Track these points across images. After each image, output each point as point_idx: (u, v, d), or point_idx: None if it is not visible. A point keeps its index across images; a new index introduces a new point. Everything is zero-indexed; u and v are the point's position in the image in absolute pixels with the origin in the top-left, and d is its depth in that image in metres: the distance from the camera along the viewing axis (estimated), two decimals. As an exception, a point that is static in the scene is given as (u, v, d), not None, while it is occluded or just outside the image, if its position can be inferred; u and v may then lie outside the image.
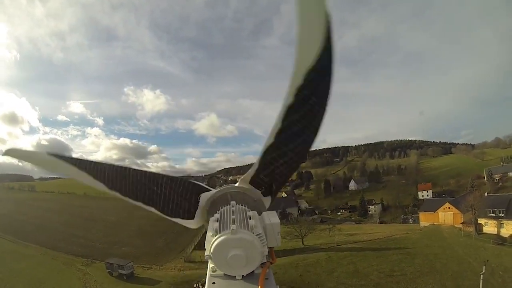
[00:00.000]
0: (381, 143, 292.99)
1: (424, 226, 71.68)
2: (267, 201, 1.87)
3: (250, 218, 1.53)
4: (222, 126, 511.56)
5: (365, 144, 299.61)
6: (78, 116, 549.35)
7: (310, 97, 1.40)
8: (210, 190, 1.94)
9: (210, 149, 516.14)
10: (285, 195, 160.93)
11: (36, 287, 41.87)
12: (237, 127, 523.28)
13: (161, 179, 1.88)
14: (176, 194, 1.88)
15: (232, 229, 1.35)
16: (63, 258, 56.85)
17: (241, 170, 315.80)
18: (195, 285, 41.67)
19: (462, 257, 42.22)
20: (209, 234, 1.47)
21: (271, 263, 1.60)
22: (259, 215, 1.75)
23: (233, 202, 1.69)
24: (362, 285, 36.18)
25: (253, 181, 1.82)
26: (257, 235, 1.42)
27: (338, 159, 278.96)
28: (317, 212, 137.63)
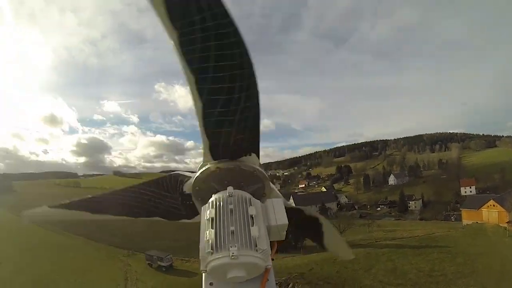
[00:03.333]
0: (421, 136, 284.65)
1: (467, 224, 69.80)
2: (254, 158, 1.58)
3: (253, 223, 1.31)
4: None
5: (404, 137, 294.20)
6: (113, 115, 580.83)
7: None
8: (189, 177, 1.72)
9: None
10: (324, 190, 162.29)
11: (81, 276, 43.63)
12: (274, 122, 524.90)
13: (149, 187, 1.77)
14: (168, 197, 1.74)
15: (233, 255, 1.18)
16: (106, 250, 59.56)
17: (280, 164, 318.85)
18: None
19: (507, 258, 41.06)
20: (202, 240, 1.29)
21: (272, 259, 1.45)
22: (259, 198, 1.54)
23: (230, 188, 1.44)
24: (400, 284, 35.68)
25: (218, 155, 1.54)
26: (261, 252, 1.25)
27: (376, 153, 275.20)
28: (356, 207, 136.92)
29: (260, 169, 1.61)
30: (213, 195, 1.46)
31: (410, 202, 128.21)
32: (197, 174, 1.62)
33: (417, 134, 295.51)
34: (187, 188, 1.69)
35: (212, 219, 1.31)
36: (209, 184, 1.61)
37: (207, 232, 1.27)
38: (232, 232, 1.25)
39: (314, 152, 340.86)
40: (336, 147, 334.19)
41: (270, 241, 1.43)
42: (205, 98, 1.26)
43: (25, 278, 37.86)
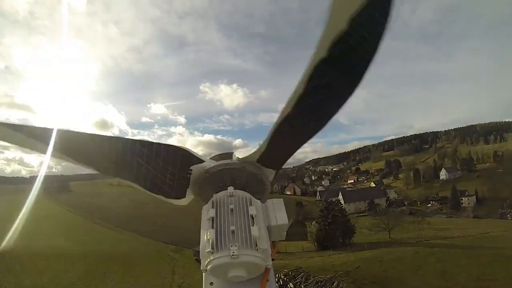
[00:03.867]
0: (473, 126, 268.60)
1: (525, 223, 66.48)
2: (271, 173, 1.60)
3: (253, 223, 1.32)
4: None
5: (456, 128, 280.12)
6: (161, 117, 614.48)
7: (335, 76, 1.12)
8: (203, 161, 1.60)
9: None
10: (374, 185, 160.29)
11: (131, 268, 44.67)
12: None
13: (142, 148, 1.52)
14: (161, 167, 1.56)
15: (233, 254, 1.20)
16: (154, 245, 61.05)
17: (328, 160, 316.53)
18: (276, 276, 44.92)
19: None
20: (203, 240, 1.30)
21: (273, 259, 1.43)
22: (262, 200, 1.54)
23: (230, 189, 1.46)
24: (449, 287, 34.84)
25: (260, 159, 1.51)
26: (261, 251, 1.27)
27: (427, 146, 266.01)
28: (406, 203, 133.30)
29: (264, 173, 1.60)
30: (214, 195, 1.48)
31: (463, 199, 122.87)
32: (206, 166, 1.58)
33: (469, 124, 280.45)
34: (195, 173, 1.59)
35: (213, 218, 1.33)
36: (212, 181, 1.60)
37: (208, 231, 1.28)
38: (233, 232, 1.28)
39: (363, 147, 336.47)
40: (385, 141, 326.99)
41: (271, 241, 1.50)
42: (298, 109, 1.25)
43: (79, 268, 40.98)
